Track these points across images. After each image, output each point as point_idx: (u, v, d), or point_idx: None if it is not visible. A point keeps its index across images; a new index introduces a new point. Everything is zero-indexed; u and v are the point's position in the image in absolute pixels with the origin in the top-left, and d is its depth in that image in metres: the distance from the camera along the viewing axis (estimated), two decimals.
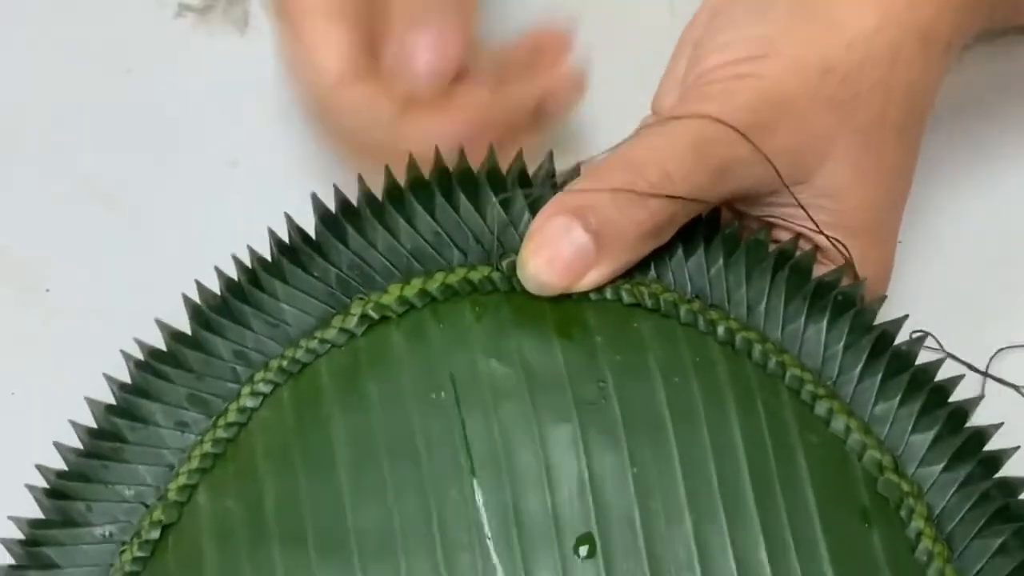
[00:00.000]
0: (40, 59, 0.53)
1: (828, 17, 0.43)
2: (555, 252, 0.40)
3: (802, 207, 0.43)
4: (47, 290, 0.51)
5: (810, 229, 0.43)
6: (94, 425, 0.42)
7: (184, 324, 0.43)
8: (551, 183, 0.43)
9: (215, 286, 0.43)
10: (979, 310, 0.49)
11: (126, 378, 0.43)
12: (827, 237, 0.43)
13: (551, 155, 0.43)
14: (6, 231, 0.52)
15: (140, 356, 0.43)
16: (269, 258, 0.43)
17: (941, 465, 0.40)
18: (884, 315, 0.42)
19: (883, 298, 0.42)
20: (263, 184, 0.52)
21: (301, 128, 0.51)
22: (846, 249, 0.43)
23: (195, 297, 0.43)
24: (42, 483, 0.42)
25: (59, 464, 0.42)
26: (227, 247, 0.44)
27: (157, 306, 0.45)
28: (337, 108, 0.46)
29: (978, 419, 0.41)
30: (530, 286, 0.41)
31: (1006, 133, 0.52)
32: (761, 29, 0.43)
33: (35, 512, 0.42)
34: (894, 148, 0.44)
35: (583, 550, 0.38)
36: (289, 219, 0.44)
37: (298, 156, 0.52)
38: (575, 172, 0.43)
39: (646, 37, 0.49)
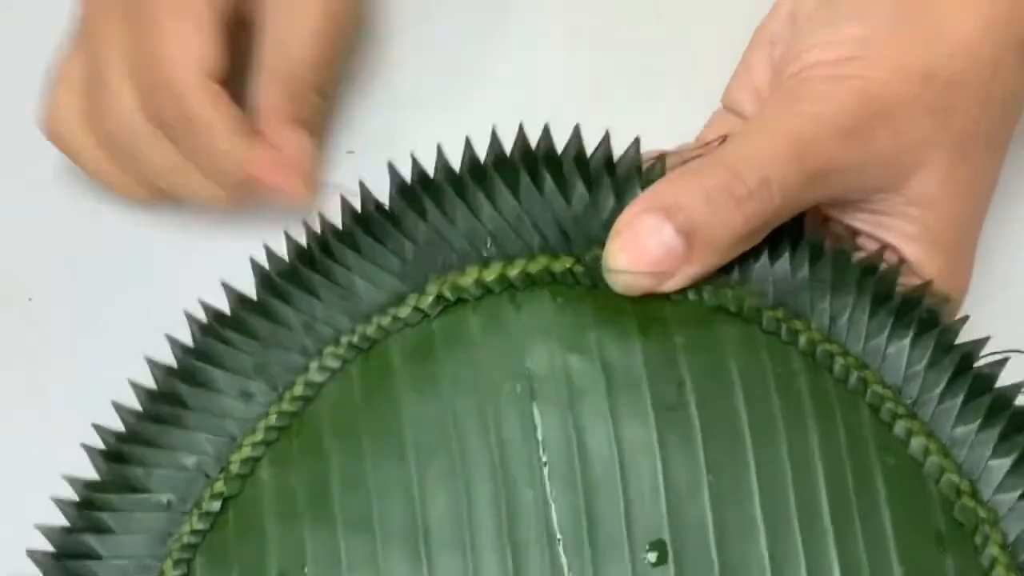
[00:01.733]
0: (23, 65, 0.52)
1: (931, 23, 0.42)
2: (643, 251, 0.39)
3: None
4: (30, 299, 0.50)
5: (897, 242, 0.42)
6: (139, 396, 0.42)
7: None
8: (637, 171, 0.42)
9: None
10: None
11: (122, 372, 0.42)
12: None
13: (637, 141, 0.42)
14: None
15: (204, 319, 0.42)
16: (340, 227, 0.42)
17: (1019, 492, 0.39)
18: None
19: (966, 318, 0.42)
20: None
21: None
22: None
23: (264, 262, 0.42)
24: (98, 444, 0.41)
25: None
26: (212, 253, 0.43)
27: (143, 312, 0.46)
28: (189, 116, 0.46)
29: None
30: (614, 284, 0.40)
31: None
32: (862, 30, 0.42)
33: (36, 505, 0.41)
34: (984, 159, 0.43)
35: (654, 556, 0.37)
36: (363, 187, 0.42)
37: None
38: (660, 162, 0.42)
39: (635, 44, 0.50)
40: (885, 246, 0.42)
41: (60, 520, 0.40)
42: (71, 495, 0.41)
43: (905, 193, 0.42)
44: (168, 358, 0.42)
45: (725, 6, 0.53)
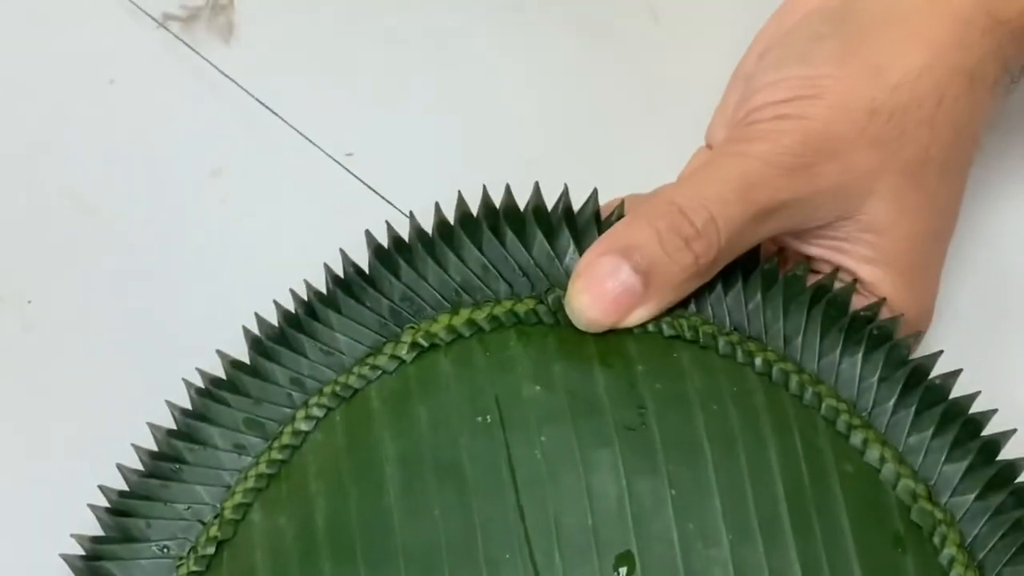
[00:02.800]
0: (22, 69, 0.53)
1: (875, 58, 0.44)
2: (603, 290, 0.42)
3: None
4: (29, 302, 0.51)
5: (853, 265, 0.44)
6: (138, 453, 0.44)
7: (190, 344, 0.44)
8: (595, 217, 0.44)
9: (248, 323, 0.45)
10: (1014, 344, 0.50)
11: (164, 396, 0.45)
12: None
13: (595, 192, 0.45)
14: None
15: (201, 384, 0.45)
16: (324, 291, 0.45)
17: (974, 494, 0.41)
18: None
19: (920, 334, 0.43)
20: (246, 194, 0.53)
21: (283, 139, 0.52)
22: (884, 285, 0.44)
23: (255, 329, 0.45)
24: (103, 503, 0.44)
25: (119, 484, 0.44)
26: (211, 258, 0.44)
27: (138, 317, 0.46)
28: None
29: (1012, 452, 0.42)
30: (577, 322, 0.42)
31: None
32: (808, 69, 0.44)
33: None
34: (937, 184, 0.44)
35: (623, 570, 0.39)
36: (344, 254, 0.45)
37: (281, 167, 0.53)
38: (619, 209, 0.45)
39: (630, 45, 0.51)
40: (838, 268, 0.44)
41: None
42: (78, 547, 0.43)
43: (859, 220, 0.44)
44: (163, 367, 0.44)
45: (723, 12, 0.55)
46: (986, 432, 0.42)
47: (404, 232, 0.45)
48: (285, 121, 0.54)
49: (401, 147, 0.49)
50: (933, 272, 0.46)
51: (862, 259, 0.44)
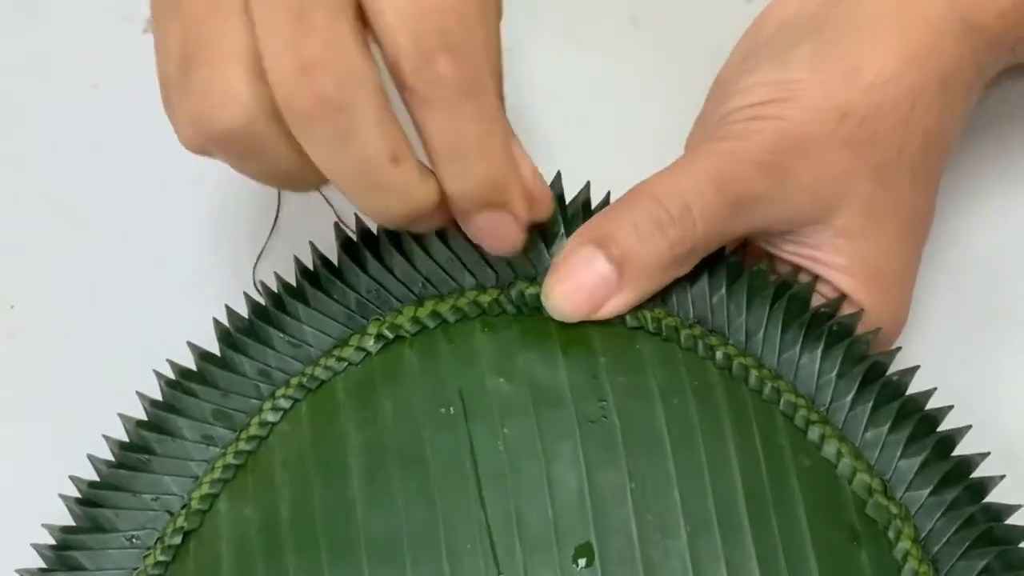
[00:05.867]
0: (5, 74, 0.53)
1: (849, 62, 0.44)
2: (578, 281, 0.42)
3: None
4: (12, 307, 0.52)
5: (827, 273, 0.44)
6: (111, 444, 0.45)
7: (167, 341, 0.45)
8: (560, 203, 0.44)
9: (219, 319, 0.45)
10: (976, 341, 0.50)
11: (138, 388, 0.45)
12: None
13: (559, 176, 0.45)
14: None
15: (171, 375, 0.45)
16: (294, 283, 0.46)
17: (928, 489, 0.41)
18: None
19: (877, 330, 0.44)
20: (229, 202, 0.53)
21: None
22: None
23: (224, 320, 0.46)
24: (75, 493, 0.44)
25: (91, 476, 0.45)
26: (192, 264, 0.44)
27: (122, 322, 0.46)
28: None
29: (966, 447, 0.42)
30: (554, 313, 0.43)
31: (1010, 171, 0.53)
32: (782, 73, 0.44)
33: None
34: (910, 188, 0.45)
35: (582, 561, 0.40)
36: (313, 247, 0.46)
37: None
38: (584, 191, 0.45)
39: (610, 50, 0.51)
40: (799, 267, 0.45)
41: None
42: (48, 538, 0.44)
43: (832, 225, 0.44)
44: (145, 372, 0.45)
45: (703, 19, 0.55)
46: (943, 428, 0.43)
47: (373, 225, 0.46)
48: None
49: None
50: (908, 279, 0.46)
51: (838, 267, 0.44)
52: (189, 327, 0.46)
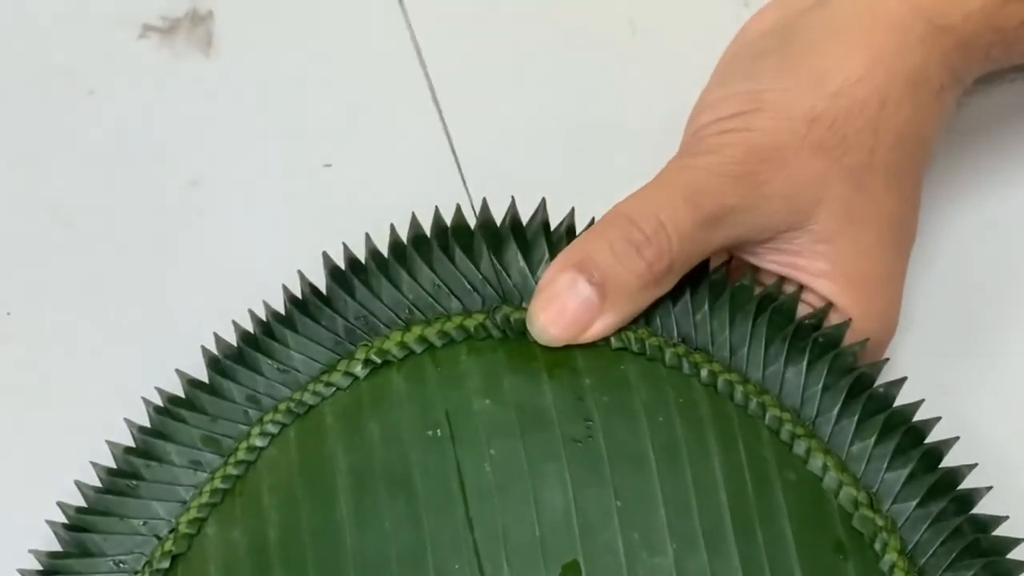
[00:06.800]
0: (1, 79, 0.54)
1: (815, 68, 0.44)
2: (562, 305, 0.42)
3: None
4: (8, 313, 0.52)
5: (809, 280, 0.44)
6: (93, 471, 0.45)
7: (156, 361, 0.45)
8: (545, 229, 0.45)
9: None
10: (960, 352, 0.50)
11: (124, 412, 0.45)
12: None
13: (543, 203, 0.45)
14: None
15: (159, 402, 0.46)
16: (283, 311, 0.46)
17: (915, 502, 0.42)
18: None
19: (866, 341, 0.44)
20: (223, 205, 0.53)
21: (262, 150, 0.52)
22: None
23: (213, 348, 0.46)
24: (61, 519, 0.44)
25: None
26: (189, 270, 0.44)
27: (116, 329, 0.46)
28: None
29: (955, 459, 0.42)
30: (540, 338, 0.43)
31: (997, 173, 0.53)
32: (751, 84, 0.45)
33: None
34: (885, 190, 0.45)
35: None
36: (301, 275, 0.46)
37: (259, 178, 0.53)
38: (569, 217, 0.45)
39: (607, 56, 0.51)
40: (783, 277, 0.45)
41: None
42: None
43: (811, 230, 0.44)
44: (140, 379, 0.45)
45: (700, 25, 0.55)
46: (930, 440, 0.43)
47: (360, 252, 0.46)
48: (263, 132, 0.55)
49: (379, 158, 0.50)
50: (894, 284, 0.46)
51: (819, 274, 0.44)
52: (183, 332, 0.46)
